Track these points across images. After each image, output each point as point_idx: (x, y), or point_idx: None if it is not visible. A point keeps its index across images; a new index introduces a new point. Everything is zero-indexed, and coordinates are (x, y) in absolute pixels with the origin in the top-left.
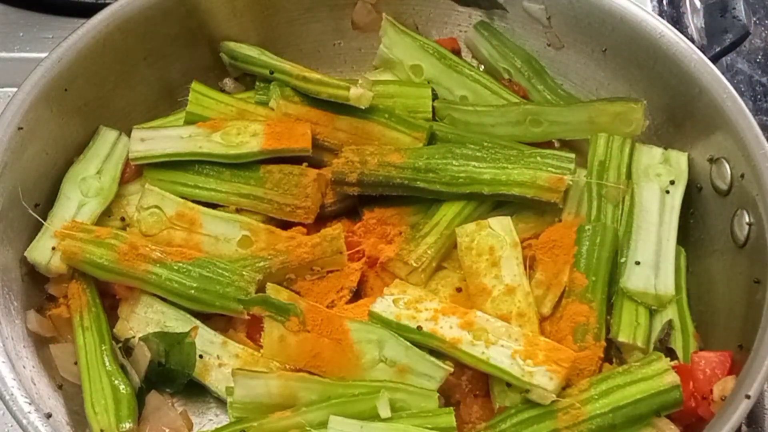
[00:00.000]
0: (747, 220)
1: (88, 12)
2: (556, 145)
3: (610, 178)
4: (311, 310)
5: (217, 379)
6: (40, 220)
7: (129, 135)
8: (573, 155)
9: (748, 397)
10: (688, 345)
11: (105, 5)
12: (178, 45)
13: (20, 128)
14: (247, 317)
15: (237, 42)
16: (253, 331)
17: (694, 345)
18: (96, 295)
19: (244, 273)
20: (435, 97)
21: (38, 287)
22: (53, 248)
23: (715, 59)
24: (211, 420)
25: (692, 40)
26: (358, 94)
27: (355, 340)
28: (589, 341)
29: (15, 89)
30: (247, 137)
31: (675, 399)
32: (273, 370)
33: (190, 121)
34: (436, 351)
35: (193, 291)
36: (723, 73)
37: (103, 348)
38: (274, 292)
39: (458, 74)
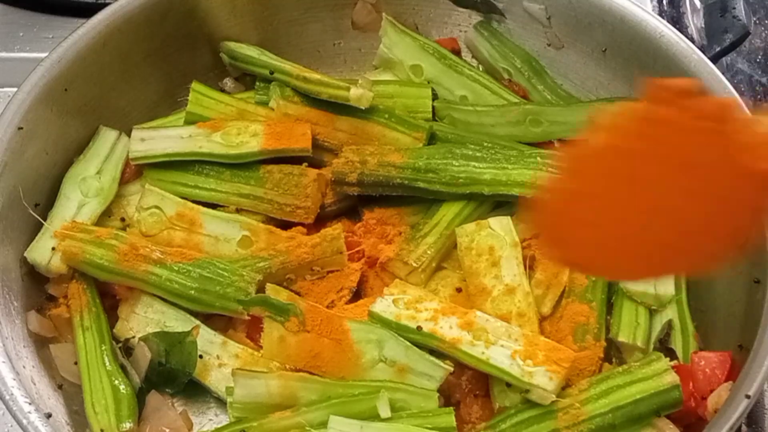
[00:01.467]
0: None
1: (88, 12)
2: (556, 145)
3: None
4: (311, 310)
5: (217, 379)
6: (40, 220)
7: (129, 135)
8: None
9: (748, 397)
10: (688, 345)
11: (105, 5)
12: (178, 45)
13: (20, 128)
14: (247, 317)
15: (237, 42)
16: (253, 331)
17: (694, 345)
18: (96, 295)
19: (244, 273)
20: (435, 97)
21: (38, 287)
22: (53, 248)
23: (715, 59)
24: (211, 420)
25: (692, 40)
26: (358, 94)
27: (355, 340)
28: (589, 341)
29: (15, 89)
30: (247, 137)
31: (675, 399)
32: (273, 370)
33: (190, 121)
34: (436, 351)
35: (193, 291)
36: (723, 73)
37: (103, 348)
38: (273, 292)
39: (458, 74)
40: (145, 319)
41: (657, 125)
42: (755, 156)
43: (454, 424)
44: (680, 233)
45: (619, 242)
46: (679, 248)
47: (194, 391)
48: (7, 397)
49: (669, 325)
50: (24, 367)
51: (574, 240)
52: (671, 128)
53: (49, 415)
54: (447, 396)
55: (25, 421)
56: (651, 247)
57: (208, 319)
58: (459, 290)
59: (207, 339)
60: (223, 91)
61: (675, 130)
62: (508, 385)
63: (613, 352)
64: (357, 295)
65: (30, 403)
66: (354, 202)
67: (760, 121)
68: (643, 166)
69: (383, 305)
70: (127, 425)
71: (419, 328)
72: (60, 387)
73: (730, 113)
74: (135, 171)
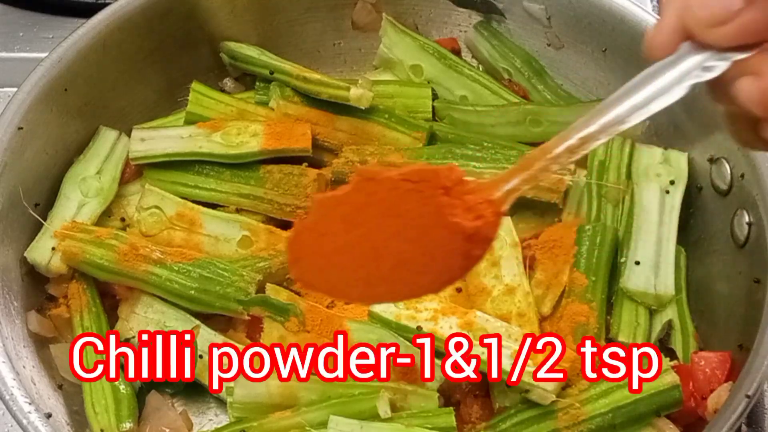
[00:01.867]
0: (747, 220)
1: (88, 12)
2: None
3: (610, 178)
4: (311, 310)
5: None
6: (40, 220)
7: (129, 135)
8: None
9: (748, 397)
10: (688, 345)
11: (105, 5)
12: (178, 45)
13: (20, 128)
14: (247, 317)
15: (237, 42)
16: (253, 331)
17: (694, 345)
18: (96, 295)
19: (244, 273)
20: (435, 97)
21: (38, 287)
22: (53, 248)
23: None
24: (211, 420)
25: None
26: (358, 94)
27: (355, 340)
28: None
29: (15, 89)
30: (247, 137)
31: (675, 399)
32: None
33: (190, 121)
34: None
35: (193, 291)
36: None
37: None
38: (273, 292)
39: (458, 74)
40: (145, 319)
41: (378, 184)
42: (466, 217)
43: (454, 424)
44: (400, 270)
45: (345, 272)
46: (398, 281)
47: (194, 391)
48: (7, 397)
49: (669, 325)
50: (24, 367)
51: (311, 266)
52: (389, 188)
53: (49, 415)
54: (447, 396)
55: (25, 421)
56: (373, 279)
57: (208, 319)
58: (459, 290)
59: (207, 339)
60: (223, 91)
61: (392, 189)
62: (508, 385)
63: None
64: None
65: (30, 403)
66: None
67: (473, 188)
68: (367, 215)
69: (383, 305)
70: (127, 425)
71: (419, 328)
72: (60, 387)
73: (441, 180)
74: (135, 171)
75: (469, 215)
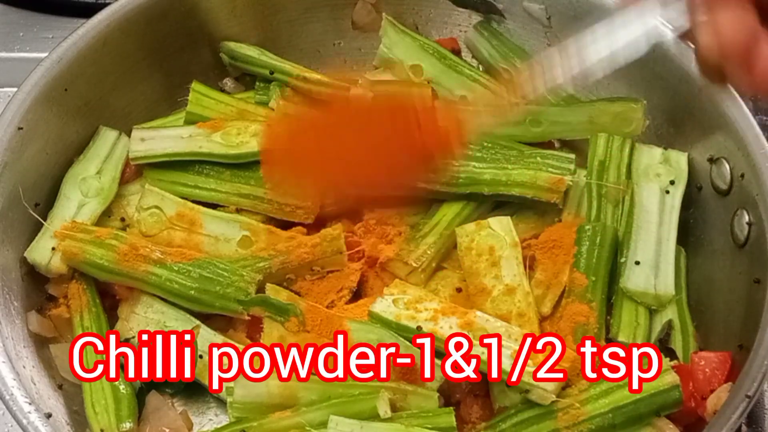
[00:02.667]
0: (747, 220)
1: (88, 12)
2: (556, 145)
3: (610, 178)
4: (311, 310)
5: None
6: (40, 220)
7: (129, 135)
8: (573, 155)
9: (748, 397)
10: (688, 345)
11: (105, 5)
12: (178, 45)
13: (20, 128)
14: (247, 317)
15: (237, 42)
16: (253, 331)
17: (694, 345)
18: (96, 295)
19: (244, 273)
20: (435, 97)
21: (38, 287)
22: (53, 248)
23: None
24: (211, 420)
25: None
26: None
27: (355, 340)
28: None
29: (15, 89)
30: (247, 137)
31: (675, 399)
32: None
33: (190, 121)
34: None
35: (193, 291)
36: None
37: None
38: (273, 292)
39: (458, 74)
40: (145, 319)
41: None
42: (431, 131)
43: (454, 424)
44: (372, 172)
45: (329, 174)
46: (373, 180)
47: (194, 391)
48: (7, 397)
49: (669, 325)
50: (24, 367)
51: (282, 166)
52: (367, 107)
53: (49, 415)
54: (447, 396)
55: (25, 421)
56: (353, 179)
57: (208, 319)
58: (459, 290)
59: (207, 339)
60: (223, 91)
61: (369, 109)
62: (508, 385)
63: None
64: (357, 295)
65: (30, 403)
66: None
67: (439, 110)
68: (346, 129)
69: (383, 305)
70: (127, 425)
71: (419, 328)
72: (60, 387)
73: (413, 102)
74: (135, 171)
75: (434, 130)
